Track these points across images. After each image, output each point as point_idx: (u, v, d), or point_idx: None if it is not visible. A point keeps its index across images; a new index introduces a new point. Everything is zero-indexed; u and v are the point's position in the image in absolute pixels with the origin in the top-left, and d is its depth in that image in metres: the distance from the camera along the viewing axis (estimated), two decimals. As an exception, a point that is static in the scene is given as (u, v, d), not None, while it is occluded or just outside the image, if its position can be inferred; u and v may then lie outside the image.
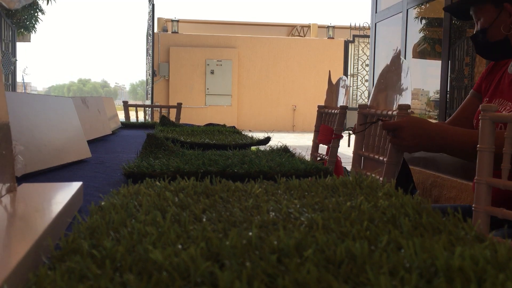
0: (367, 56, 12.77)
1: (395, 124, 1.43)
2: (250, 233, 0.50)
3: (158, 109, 4.37)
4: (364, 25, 13.38)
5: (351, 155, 1.92)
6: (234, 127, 2.37)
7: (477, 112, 1.65)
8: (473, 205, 1.23)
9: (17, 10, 9.70)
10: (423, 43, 4.83)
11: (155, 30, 14.26)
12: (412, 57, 4.85)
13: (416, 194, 0.69)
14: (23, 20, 10.37)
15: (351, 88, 13.46)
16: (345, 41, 13.56)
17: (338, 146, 2.25)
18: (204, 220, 0.60)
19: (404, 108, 1.61)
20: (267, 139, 1.77)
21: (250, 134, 1.97)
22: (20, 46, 11.87)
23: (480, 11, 1.60)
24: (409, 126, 1.40)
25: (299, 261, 0.43)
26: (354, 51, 13.48)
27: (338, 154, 2.28)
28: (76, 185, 0.80)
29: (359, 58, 13.49)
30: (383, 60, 5.56)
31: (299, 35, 18.32)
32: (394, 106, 1.66)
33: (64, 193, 0.76)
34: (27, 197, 0.72)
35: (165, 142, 1.35)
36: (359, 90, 13.64)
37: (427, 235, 0.53)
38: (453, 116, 1.83)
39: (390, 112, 1.68)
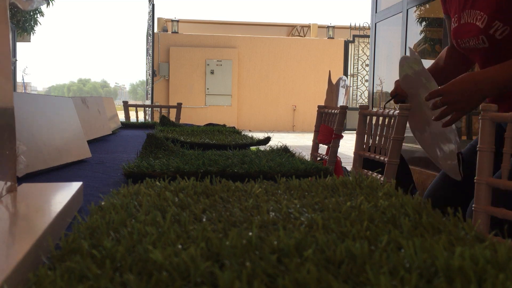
0: (367, 56, 12.76)
1: (439, 91, 1.42)
2: (250, 233, 0.50)
3: (158, 109, 4.37)
4: (364, 25, 13.37)
5: (351, 155, 1.92)
6: (234, 127, 2.37)
7: (452, 31, 1.62)
8: (473, 205, 1.23)
9: (17, 11, 9.70)
10: (423, 44, 4.83)
11: (155, 30, 14.26)
12: (412, 57, 4.83)
13: (416, 194, 0.69)
14: (22, 22, 10.37)
15: (351, 88, 13.46)
16: (345, 41, 13.55)
17: (338, 146, 2.25)
18: (204, 220, 0.60)
19: (404, 108, 1.61)
20: (267, 139, 1.77)
21: (250, 134, 1.97)
22: (20, 46, 11.87)
23: None
24: (452, 88, 1.40)
25: (299, 261, 0.43)
26: (354, 51, 13.48)
27: (338, 154, 2.28)
28: (76, 185, 0.80)
29: (359, 58, 13.49)
30: (383, 60, 5.56)
31: (299, 35, 18.32)
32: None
33: (64, 193, 0.76)
34: (27, 197, 0.72)
35: (165, 142, 1.35)
36: (359, 90, 13.64)
37: (427, 235, 0.53)
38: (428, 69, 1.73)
39: (391, 112, 1.68)
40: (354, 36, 13.46)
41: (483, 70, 1.45)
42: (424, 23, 4.81)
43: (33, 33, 10.83)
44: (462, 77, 1.41)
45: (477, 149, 1.24)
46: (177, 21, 15.89)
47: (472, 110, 1.45)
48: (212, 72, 15.54)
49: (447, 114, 1.44)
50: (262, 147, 1.55)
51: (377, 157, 1.72)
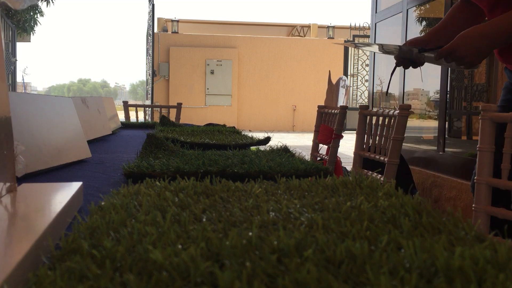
0: (367, 56, 12.76)
1: (448, 48, 1.45)
2: (250, 233, 0.50)
3: (158, 109, 4.37)
4: (364, 25, 13.38)
5: (351, 155, 1.92)
6: (234, 127, 2.37)
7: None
8: (473, 205, 1.23)
9: (17, 11, 9.69)
10: (423, 43, 4.82)
11: (155, 30, 14.26)
12: (412, 57, 4.83)
13: (416, 194, 0.69)
14: (22, 22, 10.37)
15: (351, 88, 13.47)
16: (345, 41, 13.55)
17: (338, 146, 2.25)
18: (204, 220, 0.60)
19: (404, 108, 1.61)
20: (267, 139, 1.77)
21: (250, 134, 1.97)
22: (20, 46, 11.88)
23: None
24: (460, 43, 1.44)
25: (299, 261, 0.43)
26: (354, 51, 13.48)
27: (338, 154, 2.28)
28: (76, 185, 0.80)
29: (359, 58, 13.49)
30: (383, 60, 5.56)
31: (299, 35, 18.31)
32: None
33: (64, 193, 0.75)
34: (27, 197, 0.72)
35: (165, 142, 1.35)
36: (359, 90, 13.64)
37: (427, 235, 0.53)
38: (436, 27, 1.75)
39: (391, 113, 1.68)
40: (354, 36, 13.46)
41: (487, 21, 1.47)
42: (424, 23, 4.80)
43: (33, 33, 10.82)
44: (467, 31, 1.45)
45: (477, 149, 1.24)
46: (177, 21, 15.88)
47: (481, 61, 1.49)
48: (212, 72, 15.54)
49: (456, 67, 1.49)
50: (262, 147, 1.55)
51: (377, 157, 1.72)
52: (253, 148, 1.60)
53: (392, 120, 1.67)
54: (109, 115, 2.29)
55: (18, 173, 0.95)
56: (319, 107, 2.54)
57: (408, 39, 4.78)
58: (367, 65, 12.89)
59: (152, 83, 11.55)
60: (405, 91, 4.46)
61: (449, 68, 3.85)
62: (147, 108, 8.67)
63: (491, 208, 1.20)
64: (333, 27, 16.58)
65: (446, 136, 3.40)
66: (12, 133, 0.76)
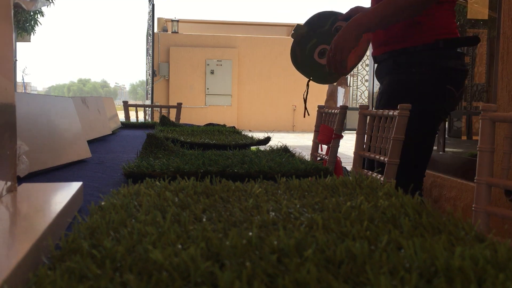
0: (367, 56, 12.75)
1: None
2: (250, 233, 0.50)
3: (158, 109, 4.37)
4: (364, 25, 13.36)
5: (351, 155, 1.92)
6: (234, 127, 2.37)
7: None
8: (473, 205, 1.23)
9: (17, 11, 9.70)
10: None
11: (155, 30, 14.25)
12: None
13: (416, 194, 0.69)
14: (22, 22, 10.36)
15: (351, 88, 13.46)
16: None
17: (338, 146, 2.25)
18: (204, 220, 0.60)
19: (404, 108, 1.61)
20: (267, 139, 1.77)
21: (250, 134, 1.97)
22: (20, 46, 11.87)
23: None
24: (337, 37, 1.65)
25: (299, 261, 0.43)
26: (354, 51, 13.46)
27: (338, 154, 2.28)
28: (76, 185, 0.80)
29: (359, 58, 13.48)
30: (383, 60, 5.55)
31: (299, 35, 18.29)
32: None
33: (64, 193, 0.75)
34: (27, 197, 0.72)
35: (165, 142, 1.35)
36: (359, 90, 13.64)
37: (427, 235, 0.53)
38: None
39: (391, 113, 1.69)
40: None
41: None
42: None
43: (33, 33, 10.82)
44: (345, 27, 1.65)
45: (477, 149, 1.24)
46: (177, 21, 15.88)
47: (350, 44, 1.65)
48: (212, 72, 15.54)
49: (335, 60, 1.66)
50: (262, 147, 1.55)
51: (377, 157, 1.72)
52: (253, 148, 1.60)
53: (392, 120, 1.67)
54: (109, 115, 2.29)
55: (21, 173, 0.95)
56: (319, 107, 2.54)
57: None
58: (367, 65, 12.88)
59: (152, 83, 11.55)
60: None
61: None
62: (147, 108, 8.66)
63: (491, 208, 1.20)
64: (333, 27, 16.55)
65: (446, 136, 3.40)
66: (16, 133, 0.76)
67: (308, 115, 2.14)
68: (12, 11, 0.72)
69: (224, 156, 1.23)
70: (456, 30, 1.69)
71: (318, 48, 1.99)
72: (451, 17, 1.68)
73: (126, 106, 3.97)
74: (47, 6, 10.35)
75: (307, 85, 2.10)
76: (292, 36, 2.01)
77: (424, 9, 1.59)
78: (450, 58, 1.65)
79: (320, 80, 2.09)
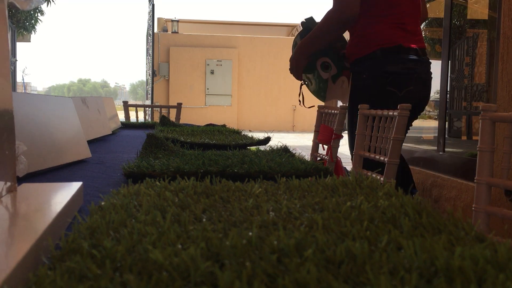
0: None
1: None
2: (250, 233, 0.50)
3: (158, 109, 4.37)
4: (364, 25, 13.36)
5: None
6: (233, 128, 2.37)
7: None
8: (473, 205, 1.23)
9: (17, 11, 9.69)
10: (423, 43, 4.82)
11: (155, 30, 14.25)
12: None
13: (416, 194, 0.69)
14: (22, 21, 10.37)
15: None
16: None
17: (338, 146, 2.25)
18: (204, 220, 0.60)
19: (404, 108, 1.61)
20: (267, 139, 1.77)
21: (250, 134, 1.97)
22: (20, 46, 11.88)
23: None
24: (291, 56, 2.27)
25: (299, 261, 0.43)
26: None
27: (338, 154, 2.28)
28: (76, 185, 0.80)
29: (359, 58, 13.49)
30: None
31: (299, 35, 18.29)
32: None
33: (64, 193, 0.75)
34: (27, 197, 0.72)
35: (165, 142, 1.35)
36: (359, 90, 13.63)
37: (427, 235, 0.53)
38: None
39: (391, 113, 1.69)
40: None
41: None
42: (424, 23, 4.80)
43: (34, 32, 10.82)
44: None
45: (477, 149, 1.24)
46: (177, 21, 15.88)
47: (295, 65, 2.25)
48: (212, 72, 15.53)
49: (293, 74, 2.29)
50: (262, 147, 1.55)
51: (377, 157, 1.72)
52: (253, 148, 1.60)
53: (392, 120, 1.67)
54: (109, 115, 2.29)
55: (19, 172, 0.95)
56: (319, 107, 2.54)
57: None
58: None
59: (152, 83, 11.55)
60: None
61: (449, 68, 3.85)
62: (147, 108, 8.67)
63: (491, 208, 1.20)
64: (333, 27, 16.55)
65: (446, 136, 3.40)
66: (15, 133, 0.76)
67: (306, 106, 2.42)
68: (7, 11, 0.72)
69: (224, 156, 1.23)
70: (400, 40, 2.00)
71: (320, 61, 2.25)
72: (395, 29, 2.02)
73: (126, 106, 3.97)
74: (46, 4, 10.36)
75: (300, 87, 2.38)
76: (302, 25, 2.28)
77: (342, 32, 2.13)
78: (390, 64, 1.98)
79: (312, 88, 2.39)
